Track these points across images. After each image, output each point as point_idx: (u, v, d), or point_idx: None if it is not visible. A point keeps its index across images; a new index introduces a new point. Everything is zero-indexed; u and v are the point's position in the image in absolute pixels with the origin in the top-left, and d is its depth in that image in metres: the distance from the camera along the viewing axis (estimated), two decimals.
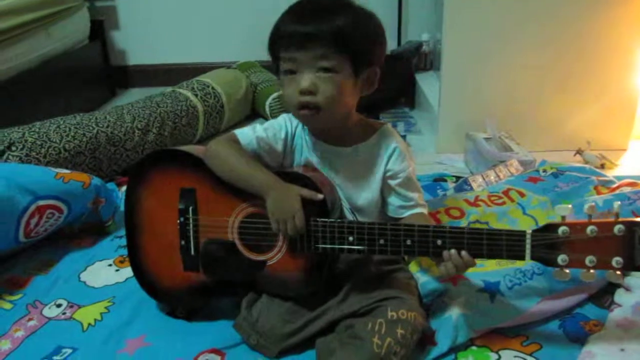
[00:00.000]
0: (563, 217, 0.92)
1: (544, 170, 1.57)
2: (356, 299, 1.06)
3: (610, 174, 1.65)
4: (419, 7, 2.70)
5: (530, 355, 1.06)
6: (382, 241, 1.00)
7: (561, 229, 0.91)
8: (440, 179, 1.76)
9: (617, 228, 0.88)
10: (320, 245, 1.02)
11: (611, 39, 1.86)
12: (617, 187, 1.46)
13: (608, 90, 1.92)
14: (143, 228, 1.17)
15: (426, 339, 1.07)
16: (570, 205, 0.91)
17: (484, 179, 1.60)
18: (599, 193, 1.44)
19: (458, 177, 1.75)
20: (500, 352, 1.07)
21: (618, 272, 0.91)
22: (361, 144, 1.13)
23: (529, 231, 0.93)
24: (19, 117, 1.84)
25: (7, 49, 2.05)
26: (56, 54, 2.38)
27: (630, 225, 0.88)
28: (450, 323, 1.08)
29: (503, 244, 0.95)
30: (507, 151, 1.77)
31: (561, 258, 0.92)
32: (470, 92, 1.95)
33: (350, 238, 1.01)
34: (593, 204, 0.90)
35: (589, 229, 0.89)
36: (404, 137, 2.11)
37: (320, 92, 1.02)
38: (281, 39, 1.03)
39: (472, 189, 1.57)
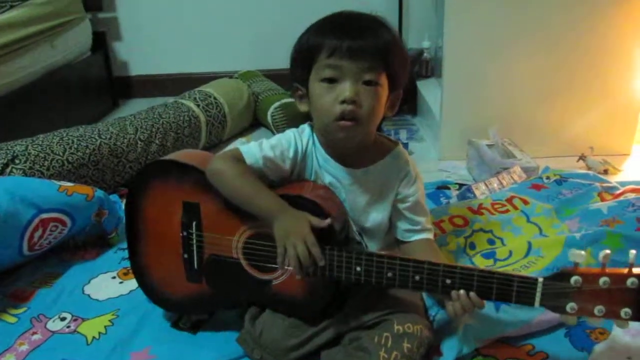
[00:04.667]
0: (576, 264, 0.89)
1: (547, 177, 1.56)
2: (361, 312, 1.06)
3: (613, 179, 1.65)
4: (420, 14, 2.69)
5: None
6: (390, 274, 0.97)
7: (574, 279, 0.89)
8: (443, 187, 1.76)
9: (631, 281, 0.86)
10: (327, 273, 1.00)
11: (612, 44, 1.86)
12: (621, 194, 1.46)
13: (610, 95, 1.92)
14: (145, 236, 1.17)
15: (432, 350, 1.07)
16: (584, 252, 0.89)
17: (487, 186, 1.59)
18: (603, 200, 1.43)
19: (461, 185, 1.74)
20: None
21: (625, 322, 0.89)
22: (372, 166, 1.10)
23: (540, 279, 0.91)
24: (22, 129, 1.84)
25: (12, 62, 2.06)
26: (59, 66, 2.39)
27: None
28: (455, 333, 1.07)
29: (513, 290, 0.92)
30: (510, 158, 1.77)
31: (570, 306, 0.90)
32: (472, 99, 1.95)
33: (358, 268, 0.98)
34: (608, 252, 0.87)
35: (602, 280, 0.87)
36: (406, 144, 2.11)
37: (363, 104, 0.99)
38: (322, 46, 0.99)
39: (475, 196, 1.56)
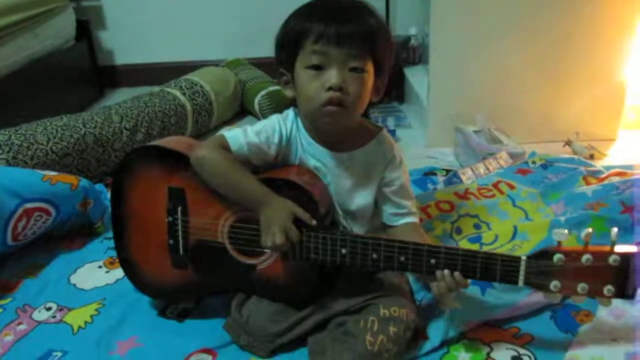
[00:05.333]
0: (559, 243, 0.91)
1: (533, 162, 1.57)
2: (347, 297, 1.06)
3: (599, 164, 1.66)
4: (407, 1, 2.69)
5: (522, 346, 1.06)
6: (374, 256, 0.98)
7: (556, 257, 0.91)
8: (430, 173, 1.76)
9: (613, 258, 0.88)
10: (312, 256, 1.01)
11: (599, 30, 1.86)
12: (606, 177, 1.47)
13: (596, 81, 1.92)
14: (130, 223, 1.16)
15: (418, 333, 1.07)
16: (566, 231, 0.91)
17: (473, 171, 1.60)
18: (587, 183, 1.44)
19: (448, 171, 1.75)
20: (492, 345, 1.07)
21: (608, 299, 0.91)
22: (358, 150, 1.11)
23: (523, 257, 0.93)
24: (5, 119, 1.82)
25: None
26: (43, 55, 2.36)
27: (625, 256, 0.88)
28: (441, 317, 1.08)
29: (497, 269, 0.94)
30: (497, 144, 1.77)
31: (553, 284, 0.92)
32: (459, 86, 1.95)
33: (343, 250, 0.99)
34: (590, 230, 0.89)
35: (584, 257, 0.89)
36: (393, 131, 2.11)
37: (350, 91, 0.99)
38: (309, 33, 0.99)
39: (461, 181, 1.57)
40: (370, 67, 1.02)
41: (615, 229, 0.89)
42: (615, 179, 1.41)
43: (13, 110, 2.06)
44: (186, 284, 1.14)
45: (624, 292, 0.90)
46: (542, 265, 0.91)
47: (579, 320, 1.11)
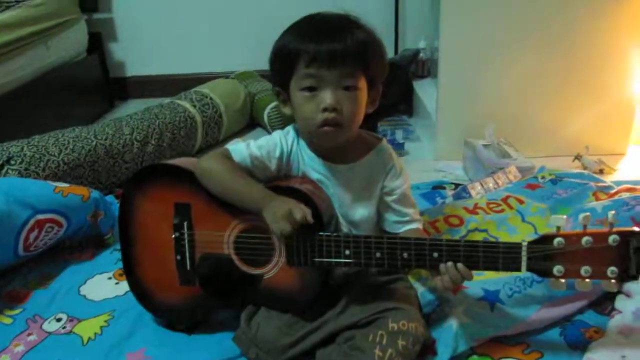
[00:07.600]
0: (558, 228, 0.92)
1: (543, 177, 1.57)
2: (356, 310, 1.06)
3: (609, 179, 1.66)
4: (416, 15, 2.70)
5: None
6: (378, 254, 0.99)
7: (556, 240, 0.91)
8: (439, 187, 1.76)
9: (612, 238, 0.89)
10: (317, 259, 1.02)
11: (608, 44, 1.86)
12: (616, 193, 1.46)
13: (606, 95, 1.92)
14: (138, 241, 1.17)
15: (426, 349, 1.07)
16: (565, 216, 0.92)
17: (482, 186, 1.60)
18: (597, 199, 1.44)
19: (457, 185, 1.75)
20: None
21: (613, 282, 0.91)
22: (358, 162, 1.12)
23: (524, 243, 0.94)
24: (18, 130, 1.84)
25: (7, 63, 2.05)
26: (55, 67, 2.39)
27: (624, 236, 0.89)
28: (450, 332, 1.08)
29: (499, 256, 0.95)
30: (506, 158, 1.77)
31: (557, 269, 0.92)
32: (468, 99, 1.96)
33: (347, 251, 1.00)
34: (588, 213, 0.90)
35: (584, 239, 0.90)
36: (402, 144, 2.12)
37: (344, 110, 1.01)
38: (300, 55, 1.01)
39: (470, 196, 1.57)
40: (363, 83, 1.04)
41: (612, 212, 0.90)
42: (626, 195, 1.41)
43: (25, 122, 2.08)
44: (194, 300, 1.14)
45: (628, 273, 0.90)
46: (544, 250, 0.92)
47: (588, 336, 1.11)
